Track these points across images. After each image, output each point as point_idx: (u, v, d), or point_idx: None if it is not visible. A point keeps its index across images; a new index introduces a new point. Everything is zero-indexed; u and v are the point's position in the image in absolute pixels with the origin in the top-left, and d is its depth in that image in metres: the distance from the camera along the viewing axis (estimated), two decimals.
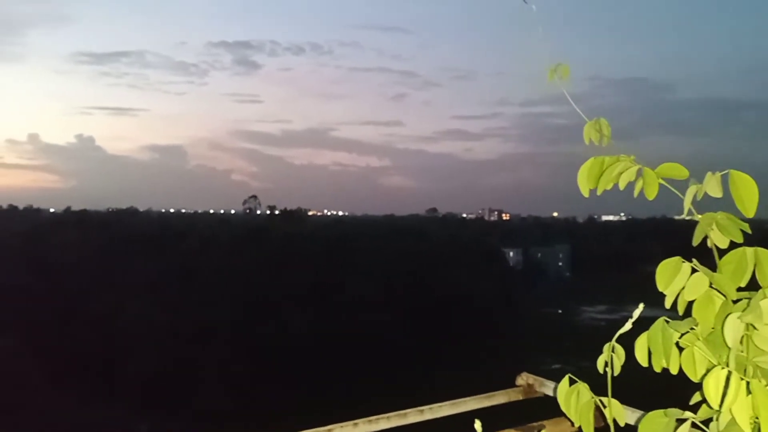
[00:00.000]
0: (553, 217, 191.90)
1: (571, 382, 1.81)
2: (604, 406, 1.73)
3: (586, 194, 1.96)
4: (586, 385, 1.80)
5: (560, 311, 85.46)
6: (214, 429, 36.43)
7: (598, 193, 1.96)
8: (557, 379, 3.29)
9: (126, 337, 46.53)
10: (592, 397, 1.75)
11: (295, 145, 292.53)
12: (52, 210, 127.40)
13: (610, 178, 1.91)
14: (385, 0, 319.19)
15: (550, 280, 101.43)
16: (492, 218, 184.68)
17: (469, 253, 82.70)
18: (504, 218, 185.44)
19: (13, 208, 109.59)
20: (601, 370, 1.72)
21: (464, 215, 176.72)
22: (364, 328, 52.51)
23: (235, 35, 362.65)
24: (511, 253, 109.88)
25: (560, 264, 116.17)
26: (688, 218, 1.78)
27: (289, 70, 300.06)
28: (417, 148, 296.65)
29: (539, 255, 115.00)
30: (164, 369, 44.02)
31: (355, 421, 2.57)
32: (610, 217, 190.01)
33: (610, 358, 1.73)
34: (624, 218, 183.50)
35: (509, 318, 65.91)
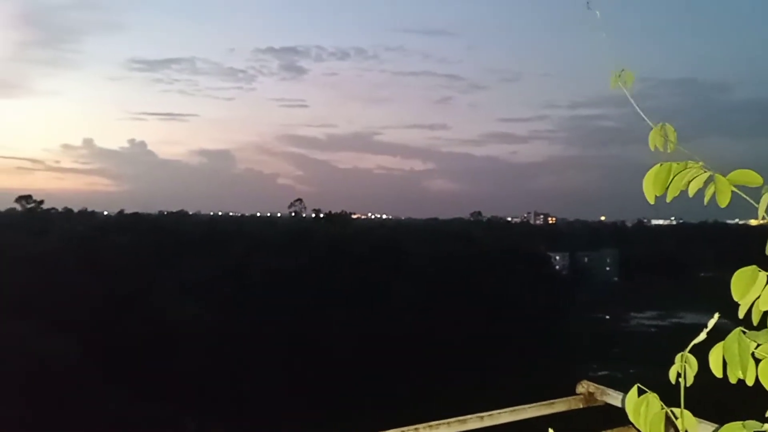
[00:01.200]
0: (601, 221, 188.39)
1: (640, 392, 1.78)
2: (676, 417, 1.69)
3: (651, 201, 1.93)
4: (655, 395, 1.77)
5: (608, 317, 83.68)
6: (261, 427, 36.84)
7: (668, 200, 1.92)
8: (616, 388, 3.25)
9: (176, 336, 47.44)
10: (663, 408, 1.72)
11: (340, 148, 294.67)
12: (106, 213, 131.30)
13: (680, 185, 1.88)
14: (431, 3, 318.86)
15: (597, 285, 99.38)
16: (538, 222, 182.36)
17: (514, 258, 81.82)
18: (550, 222, 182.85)
19: (68, 211, 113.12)
20: (673, 381, 1.69)
21: (509, 219, 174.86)
22: (409, 331, 52.47)
23: (281, 41, 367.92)
24: (558, 258, 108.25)
25: (608, 269, 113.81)
26: (762, 223, 1.73)
27: (335, 74, 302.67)
28: (462, 152, 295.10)
29: (586, 259, 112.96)
30: (212, 367, 44.79)
31: (416, 426, 2.57)
32: (660, 222, 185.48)
33: (683, 368, 1.69)
34: (674, 222, 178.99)
35: (555, 323, 64.90)
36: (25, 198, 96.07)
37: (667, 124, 2.04)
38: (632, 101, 2.05)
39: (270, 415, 39.20)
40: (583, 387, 3.09)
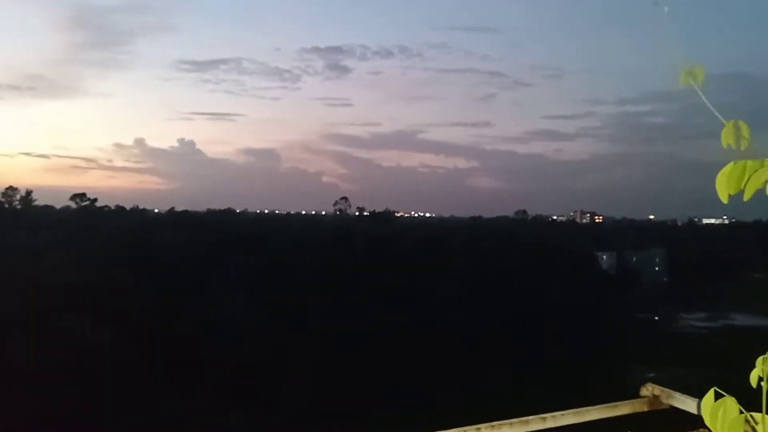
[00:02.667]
0: (649, 219, 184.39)
1: (717, 396, 1.75)
2: (756, 423, 1.65)
3: (725, 200, 1.88)
4: (733, 399, 1.73)
5: (656, 318, 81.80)
6: (305, 423, 37.20)
7: (745, 199, 1.87)
8: (681, 391, 3.18)
9: (222, 331, 48.24)
10: (742, 413, 1.68)
11: (383, 147, 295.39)
12: (156, 210, 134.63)
13: (758, 183, 1.83)
14: (474, 1, 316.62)
15: (645, 285, 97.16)
16: (584, 221, 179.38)
17: (560, 256, 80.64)
18: (597, 221, 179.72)
19: (121, 209, 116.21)
20: (754, 384, 1.65)
21: (554, 217, 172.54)
22: (452, 330, 52.30)
23: (326, 41, 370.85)
24: (605, 257, 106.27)
25: (657, 268, 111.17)
26: None
27: (379, 73, 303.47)
28: (506, 149, 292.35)
29: (634, 259, 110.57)
30: (257, 363, 45.38)
31: (478, 426, 2.57)
32: (712, 220, 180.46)
33: (766, 372, 1.65)
34: (727, 221, 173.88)
35: (602, 323, 63.75)
36: (79, 196, 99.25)
37: (740, 120, 1.96)
38: (704, 98, 1.97)
39: (313, 410, 39.57)
40: (648, 389, 3.04)
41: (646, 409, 2.99)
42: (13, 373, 32.84)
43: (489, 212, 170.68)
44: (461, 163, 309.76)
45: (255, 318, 50.52)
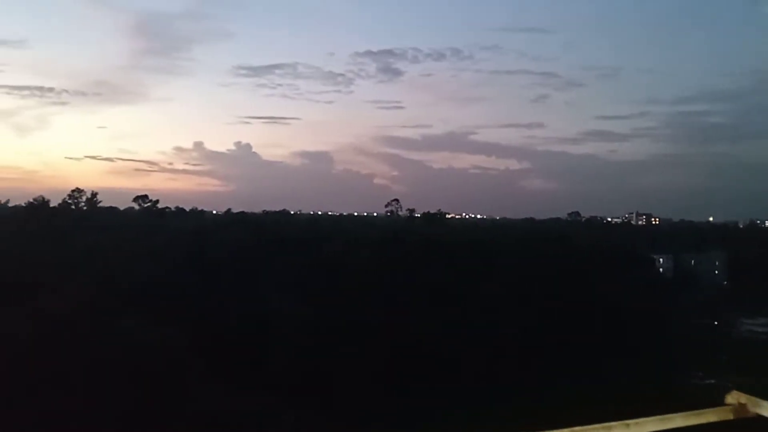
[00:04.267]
0: (709, 221, 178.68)
1: None
2: None
3: None
4: None
5: (716, 322, 79.23)
6: (356, 422, 37.52)
7: None
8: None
9: (275, 330, 49.06)
10: None
11: (435, 149, 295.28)
12: (214, 212, 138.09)
13: None
14: (527, 1, 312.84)
15: (704, 288, 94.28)
16: (640, 222, 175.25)
17: (615, 259, 79.05)
18: (653, 223, 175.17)
19: (181, 210, 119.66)
20: None
21: (609, 219, 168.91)
22: (502, 333, 51.86)
23: (379, 44, 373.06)
24: (661, 260, 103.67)
25: (716, 272, 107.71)
26: None
27: (430, 75, 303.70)
28: (559, 150, 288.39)
29: (692, 262, 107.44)
30: (309, 362, 45.98)
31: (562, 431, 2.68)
32: None
33: None
34: None
35: (658, 328, 62.16)
36: (141, 198, 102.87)
37: None
38: None
39: (365, 410, 39.87)
40: (734, 397, 3.13)
41: (731, 418, 3.06)
42: (75, 369, 34.12)
43: (541, 214, 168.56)
44: (513, 164, 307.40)
45: (308, 317, 51.20)
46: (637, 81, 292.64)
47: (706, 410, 3.03)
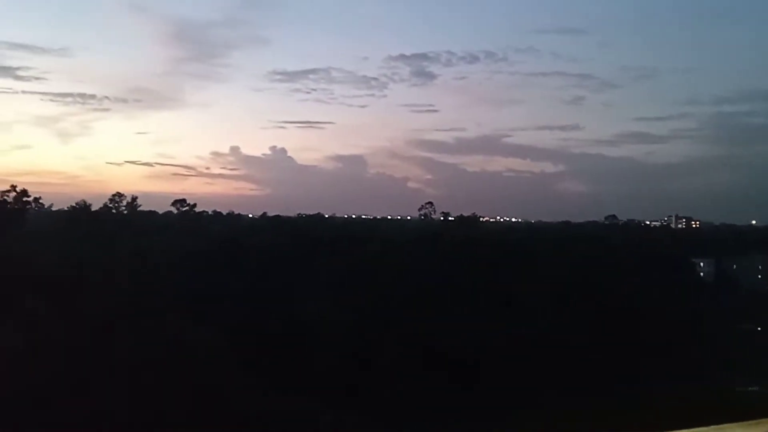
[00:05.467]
0: (752, 225, 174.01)
1: None
2: None
3: None
4: None
5: (759, 328, 77.19)
6: (392, 424, 37.68)
7: None
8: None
9: (310, 332, 49.53)
10: None
11: (468, 152, 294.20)
12: (250, 215, 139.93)
13: None
14: (561, 2, 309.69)
15: (746, 293, 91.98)
16: (680, 226, 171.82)
17: (653, 263, 77.71)
18: (693, 226, 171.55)
19: (217, 214, 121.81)
20: None
21: (647, 222, 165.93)
22: (538, 337, 51.46)
23: (412, 48, 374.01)
24: (702, 264, 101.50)
25: (759, 276, 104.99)
26: None
27: (464, 78, 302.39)
28: (595, 152, 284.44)
29: (735, 266, 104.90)
30: (344, 364, 46.31)
31: None
32: None
33: None
34: None
35: (700, 333, 60.96)
36: (180, 202, 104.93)
37: None
38: None
39: (401, 412, 40.00)
40: None
41: None
42: (118, 368, 35.00)
43: (577, 217, 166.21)
44: (548, 167, 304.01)
45: (342, 319, 51.60)
46: (676, 81, 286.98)
47: (764, 420, 2.99)
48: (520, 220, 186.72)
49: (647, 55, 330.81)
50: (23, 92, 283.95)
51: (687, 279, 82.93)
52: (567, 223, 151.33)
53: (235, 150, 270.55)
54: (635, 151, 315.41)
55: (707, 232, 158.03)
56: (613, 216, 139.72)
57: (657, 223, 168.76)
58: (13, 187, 74.23)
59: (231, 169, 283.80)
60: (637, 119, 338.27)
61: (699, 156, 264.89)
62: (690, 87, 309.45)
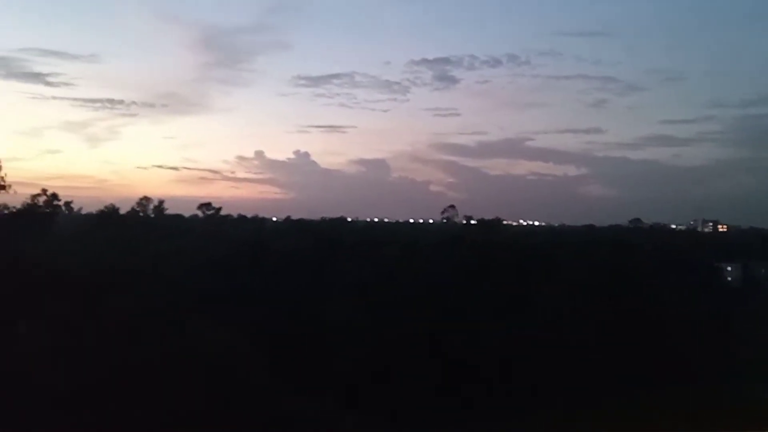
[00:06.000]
0: None
1: None
2: None
3: None
4: None
5: None
6: (416, 427, 37.85)
7: None
8: None
9: (333, 335, 49.86)
10: None
11: (491, 155, 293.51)
12: (274, 219, 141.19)
13: None
14: (585, 4, 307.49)
15: None
16: (706, 230, 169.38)
17: (679, 267, 76.85)
18: (720, 230, 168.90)
19: (242, 218, 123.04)
20: None
21: (673, 226, 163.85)
22: (560, 342, 51.23)
23: (435, 52, 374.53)
24: (729, 268, 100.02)
25: None
26: None
27: (487, 82, 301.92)
28: (619, 156, 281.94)
29: (763, 271, 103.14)
30: (366, 368, 46.56)
31: None
32: None
33: None
34: None
35: (725, 340, 60.13)
36: (205, 205, 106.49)
37: None
38: None
39: (424, 416, 40.14)
40: None
41: None
42: (146, 369, 35.67)
43: (601, 221, 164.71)
44: (571, 170, 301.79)
45: (364, 322, 51.90)
46: (702, 84, 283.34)
47: None
48: (543, 223, 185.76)
49: (673, 58, 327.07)
50: (53, 98, 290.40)
51: (713, 283, 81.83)
52: (590, 227, 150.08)
53: (259, 154, 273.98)
54: (660, 154, 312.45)
55: (734, 235, 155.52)
56: (638, 220, 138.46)
57: (682, 227, 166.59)
58: (44, 191, 75.74)
59: (256, 173, 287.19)
60: (662, 122, 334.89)
61: (725, 159, 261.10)
62: (716, 90, 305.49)
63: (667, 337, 54.77)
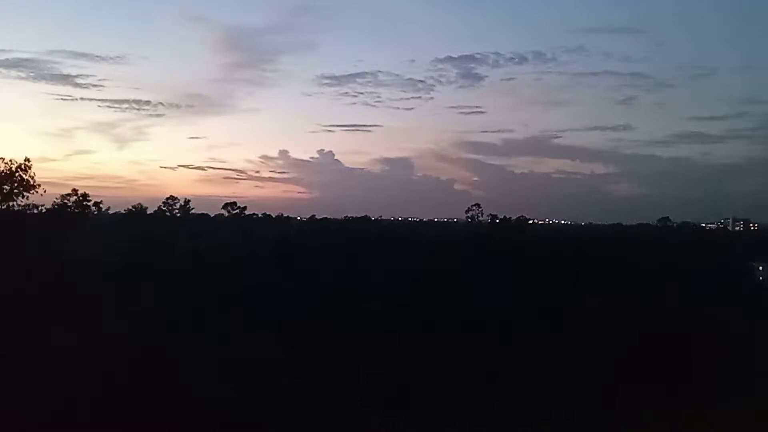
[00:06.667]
0: None
1: None
2: None
3: None
4: None
5: None
6: (443, 427, 37.72)
7: None
8: None
9: (359, 334, 49.94)
10: None
11: (516, 153, 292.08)
12: (299, 218, 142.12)
13: None
14: (613, 1, 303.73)
15: None
16: (737, 228, 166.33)
17: (709, 267, 75.59)
18: (752, 228, 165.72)
19: (267, 216, 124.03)
20: None
21: (703, 225, 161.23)
22: (589, 343, 50.64)
23: (459, 50, 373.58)
24: (761, 268, 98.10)
25: None
26: None
27: (512, 79, 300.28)
28: (647, 153, 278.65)
29: None
30: (394, 366, 46.53)
31: None
32: None
33: None
34: None
35: (758, 342, 58.92)
36: (230, 205, 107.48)
37: None
38: None
39: (449, 416, 40.03)
40: None
41: None
42: (176, 365, 36.09)
43: (629, 219, 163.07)
44: (599, 168, 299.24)
45: (390, 321, 51.91)
46: (733, 80, 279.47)
47: None
48: (569, 222, 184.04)
49: (704, 54, 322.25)
50: (82, 99, 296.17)
51: (745, 284, 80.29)
52: (618, 226, 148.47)
53: (284, 153, 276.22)
54: (690, 151, 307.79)
55: (766, 234, 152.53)
56: (667, 218, 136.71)
57: (713, 226, 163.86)
58: (75, 191, 76.96)
59: (280, 173, 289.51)
60: (692, 119, 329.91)
61: (757, 156, 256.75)
62: (748, 85, 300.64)
63: (698, 338, 53.82)
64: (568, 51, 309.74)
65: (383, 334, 50.08)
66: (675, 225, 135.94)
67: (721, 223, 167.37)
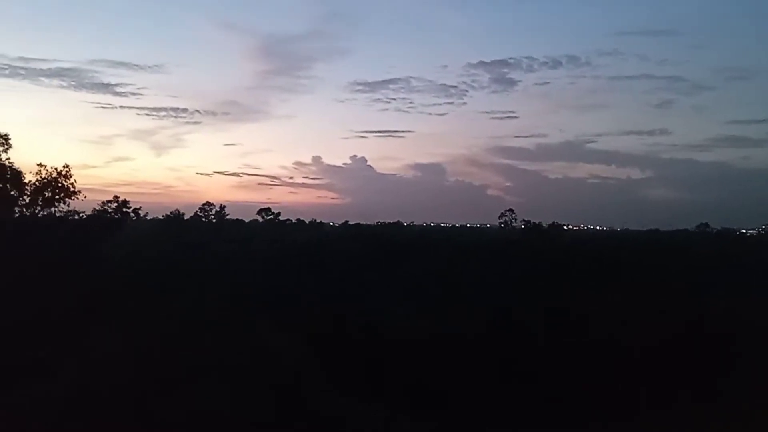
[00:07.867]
0: None
1: None
2: None
3: None
4: None
5: None
6: (471, 429, 37.63)
7: None
8: None
9: (390, 338, 50.11)
10: None
11: (550, 158, 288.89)
12: (332, 224, 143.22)
13: None
14: (648, 3, 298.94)
15: None
16: None
17: (750, 274, 73.79)
18: None
19: (300, 222, 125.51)
20: None
21: (743, 231, 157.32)
22: (623, 351, 49.97)
23: (492, 55, 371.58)
24: None
25: None
26: None
27: (546, 84, 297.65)
28: (685, 158, 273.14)
29: None
30: (421, 371, 46.56)
31: None
32: None
33: None
34: None
35: None
36: (264, 210, 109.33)
37: None
38: None
39: (476, 422, 39.91)
40: None
41: None
42: (207, 368, 36.80)
43: (667, 225, 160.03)
44: (635, 173, 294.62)
45: (420, 326, 51.97)
46: None
47: None
48: (605, 228, 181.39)
49: (743, 56, 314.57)
50: (121, 107, 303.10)
51: None
52: (655, 231, 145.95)
53: (317, 160, 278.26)
54: (729, 155, 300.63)
55: None
56: (706, 224, 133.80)
57: (753, 232, 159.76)
58: (116, 197, 78.88)
59: (313, 179, 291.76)
60: (731, 122, 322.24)
61: None
62: None
63: (738, 347, 52.64)
64: (603, 54, 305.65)
65: (411, 339, 50.18)
66: (714, 231, 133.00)
67: (762, 230, 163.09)
